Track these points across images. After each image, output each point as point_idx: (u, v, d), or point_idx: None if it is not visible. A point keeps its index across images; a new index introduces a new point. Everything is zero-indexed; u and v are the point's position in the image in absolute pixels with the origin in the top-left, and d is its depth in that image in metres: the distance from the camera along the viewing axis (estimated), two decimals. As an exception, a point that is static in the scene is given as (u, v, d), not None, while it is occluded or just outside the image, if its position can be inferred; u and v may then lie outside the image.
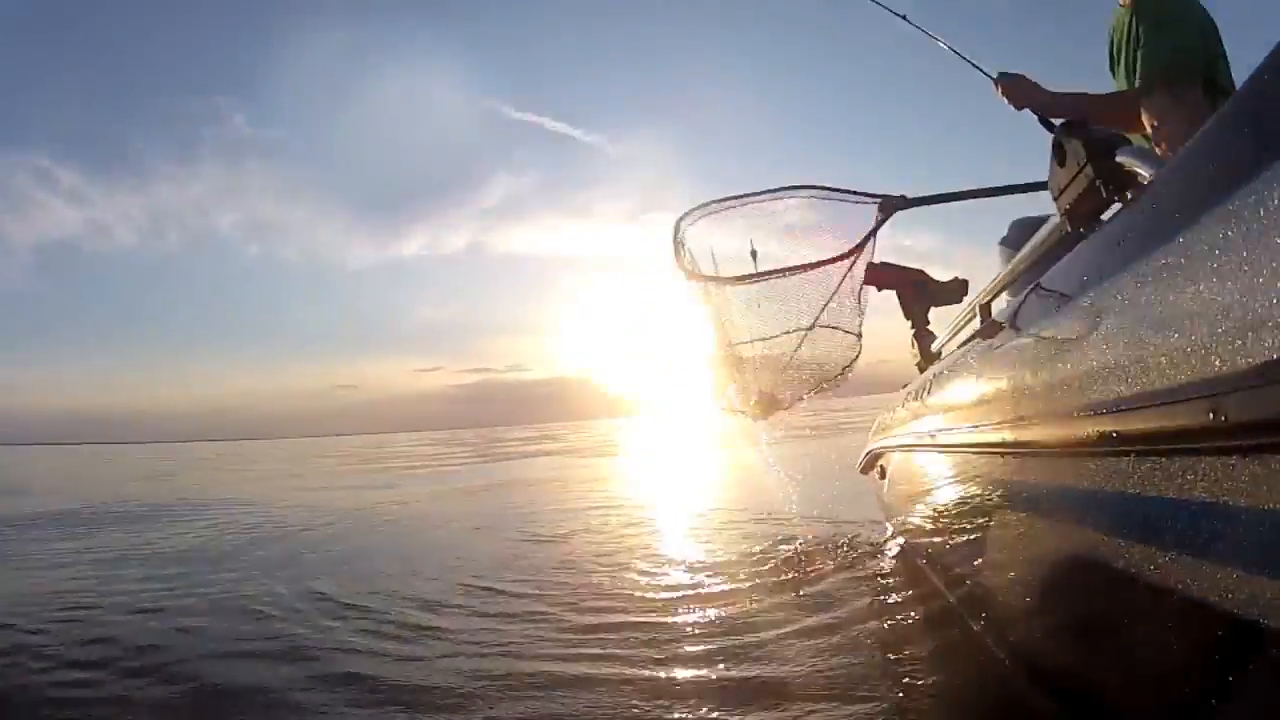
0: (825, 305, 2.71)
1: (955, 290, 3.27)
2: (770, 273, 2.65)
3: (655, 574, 4.28)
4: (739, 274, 2.76)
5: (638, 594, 3.81)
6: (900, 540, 3.92)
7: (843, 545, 4.47)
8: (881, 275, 3.24)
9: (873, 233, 2.64)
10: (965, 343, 2.34)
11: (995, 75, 2.46)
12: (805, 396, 3.21)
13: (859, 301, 2.86)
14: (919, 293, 3.33)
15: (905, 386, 3.19)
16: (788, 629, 2.93)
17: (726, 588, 3.78)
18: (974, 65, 2.60)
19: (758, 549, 4.69)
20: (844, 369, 3.01)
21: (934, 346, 3.27)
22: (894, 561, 3.91)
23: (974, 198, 2.79)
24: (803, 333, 2.82)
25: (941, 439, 2.21)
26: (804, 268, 2.58)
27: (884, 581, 3.61)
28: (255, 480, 17.05)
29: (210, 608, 4.00)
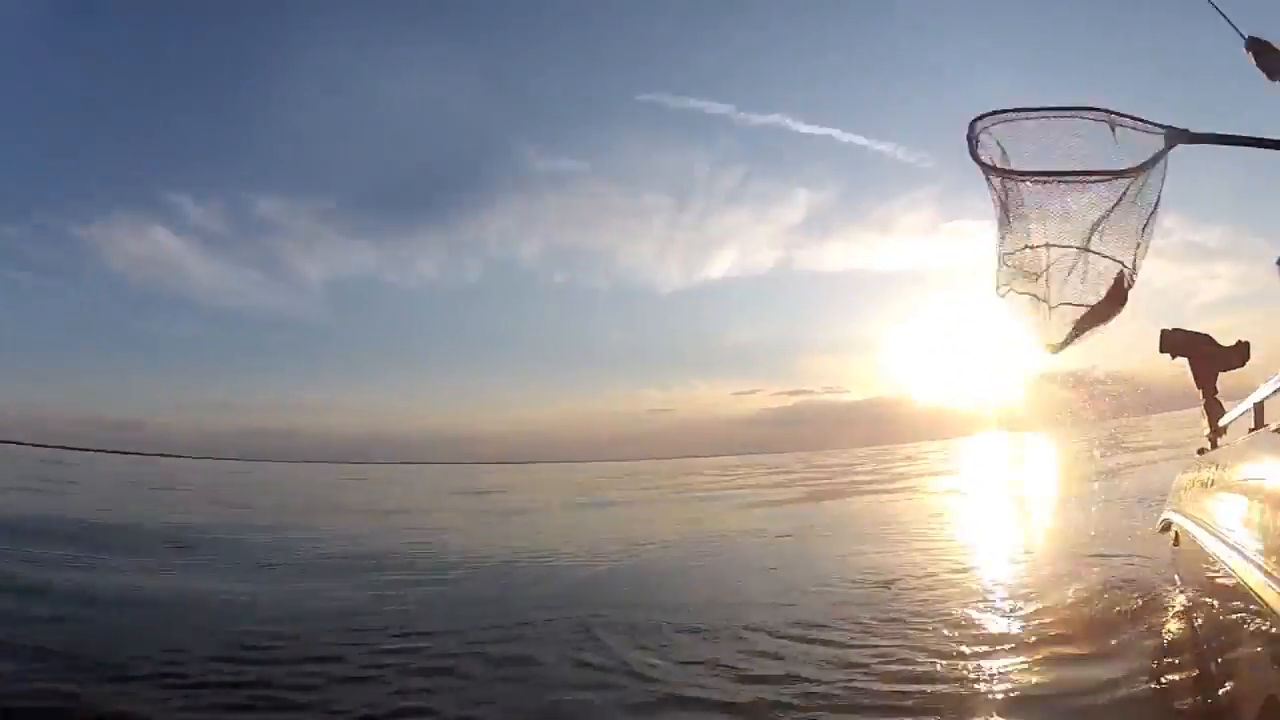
0: (1098, 226, 2.80)
1: (1237, 355, 3.18)
2: (1063, 174, 2.74)
3: (980, 633, 4.78)
4: (1032, 169, 2.83)
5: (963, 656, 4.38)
6: (1189, 611, 4.16)
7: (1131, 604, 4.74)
8: (1175, 340, 3.27)
9: (1158, 156, 2.75)
10: (1255, 429, 2.45)
11: (1246, 37, 2.31)
12: (1083, 333, 3.15)
13: (1140, 234, 2.87)
14: (1206, 359, 3.25)
15: (1201, 453, 3.28)
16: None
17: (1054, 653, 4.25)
18: (1226, 19, 2.39)
19: (1063, 600, 5.37)
20: (1114, 305, 2.99)
21: (1223, 421, 3.21)
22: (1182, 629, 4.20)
23: (1274, 147, 2.51)
24: (1078, 252, 2.88)
25: (1226, 537, 2.26)
26: (1094, 174, 2.70)
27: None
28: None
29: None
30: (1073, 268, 3.00)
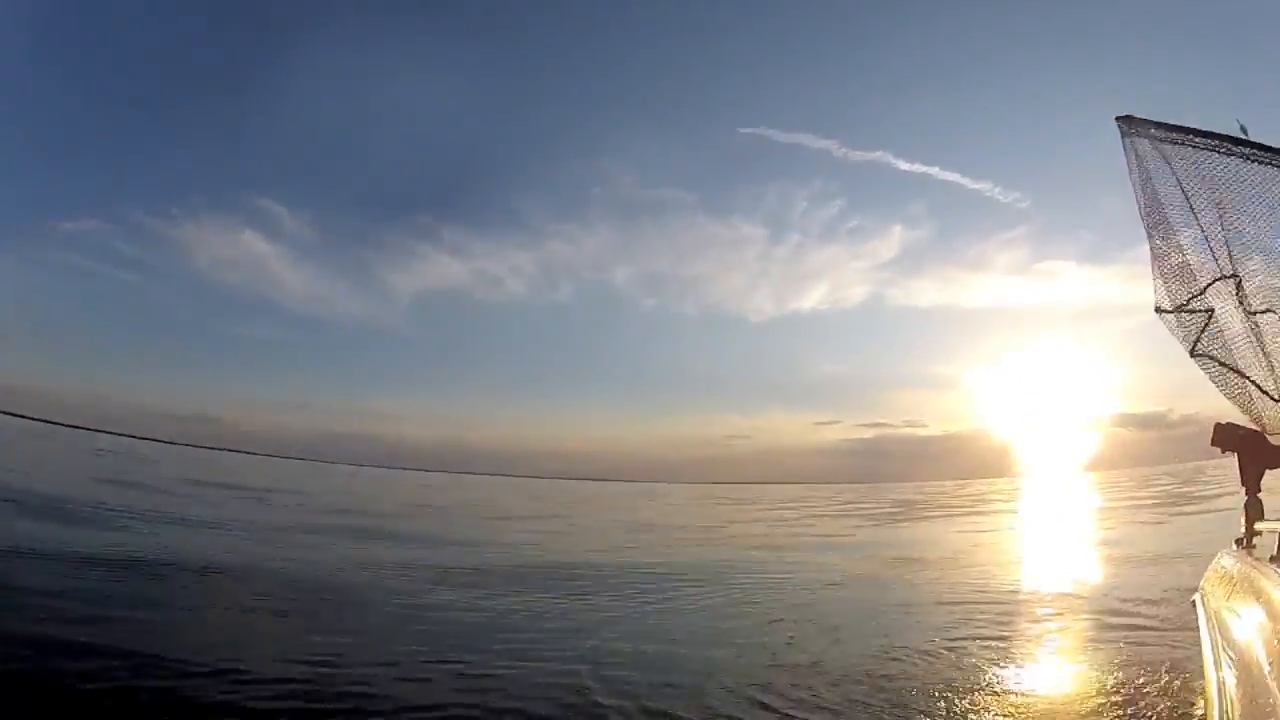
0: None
1: None
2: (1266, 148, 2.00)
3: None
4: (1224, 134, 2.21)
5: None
6: None
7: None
8: (1224, 435, 3.02)
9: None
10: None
11: None
12: None
13: None
14: (1254, 458, 3.00)
15: (1238, 544, 3.02)
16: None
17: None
18: None
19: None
20: None
21: (1259, 525, 2.99)
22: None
23: None
24: None
25: (1219, 646, 2.09)
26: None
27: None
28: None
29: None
30: None
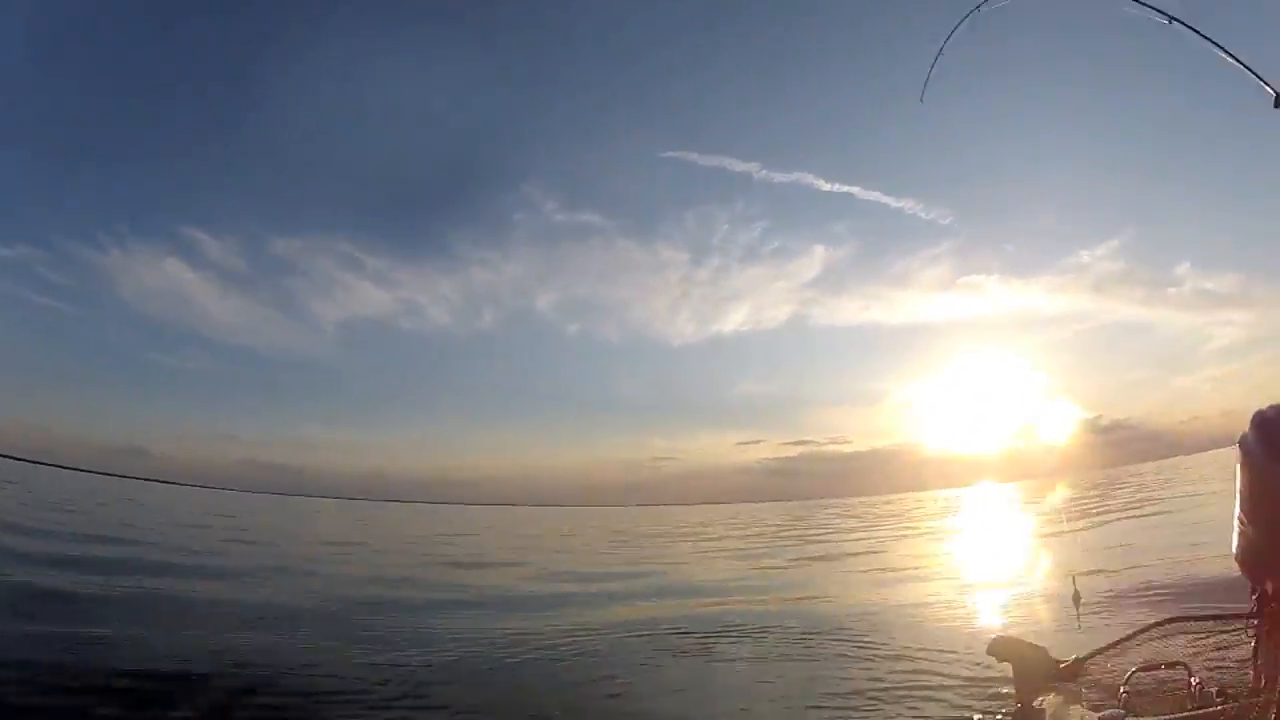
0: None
1: (1067, 673, 2.43)
2: None
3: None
4: None
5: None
6: None
7: None
8: (999, 647, 2.53)
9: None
10: None
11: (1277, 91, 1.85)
12: None
13: None
14: (1030, 671, 2.38)
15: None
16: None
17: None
18: (1254, 75, 1.96)
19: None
20: None
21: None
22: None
23: None
24: None
25: None
26: None
27: None
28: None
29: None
30: None
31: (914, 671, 5.66)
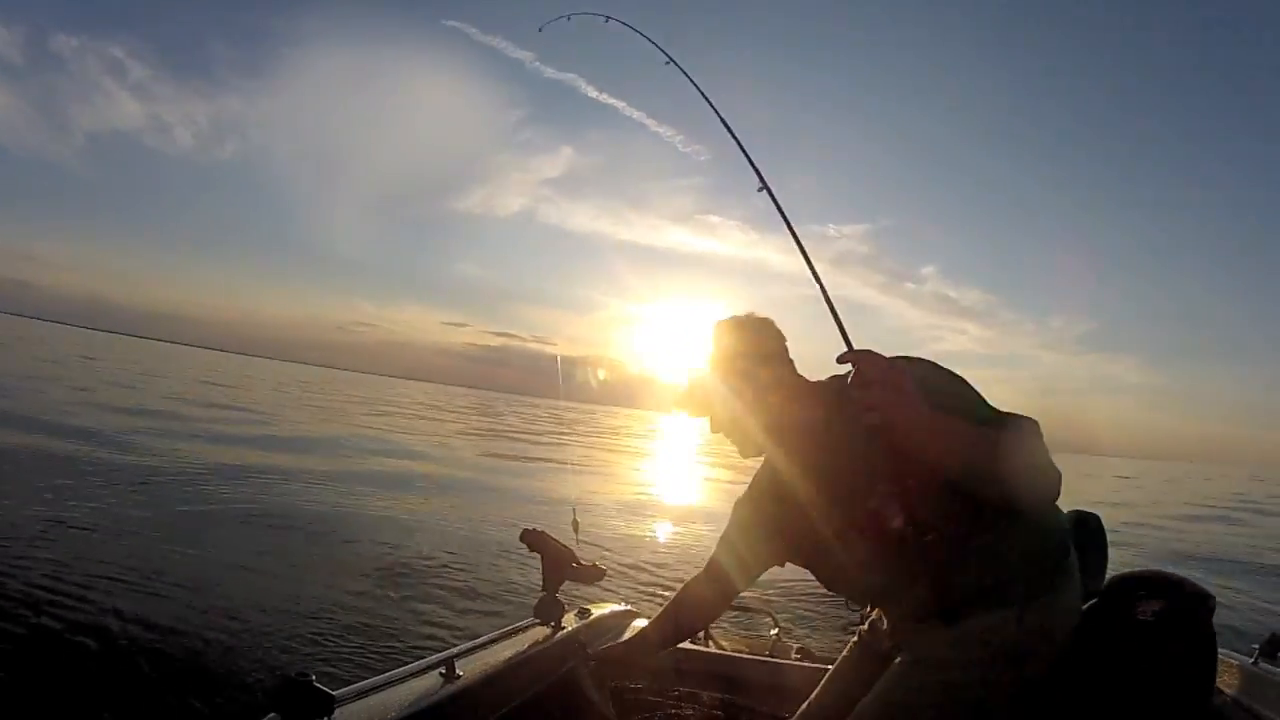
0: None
1: (590, 575, 2.32)
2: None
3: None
4: None
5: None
6: None
7: None
8: (531, 539, 2.38)
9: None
10: None
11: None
12: None
13: None
14: (557, 567, 2.31)
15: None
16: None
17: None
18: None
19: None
20: None
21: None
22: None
23: None
24: None
25: None
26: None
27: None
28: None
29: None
30: None
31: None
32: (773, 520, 1.57)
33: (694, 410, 1.56)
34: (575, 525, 2.42)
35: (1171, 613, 1.13)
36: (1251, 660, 2.10)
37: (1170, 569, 1.49)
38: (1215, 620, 1.31)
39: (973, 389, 1.37)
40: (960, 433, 1.25)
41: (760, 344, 1.50)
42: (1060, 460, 1.26)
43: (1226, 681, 2.10)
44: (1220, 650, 2.25)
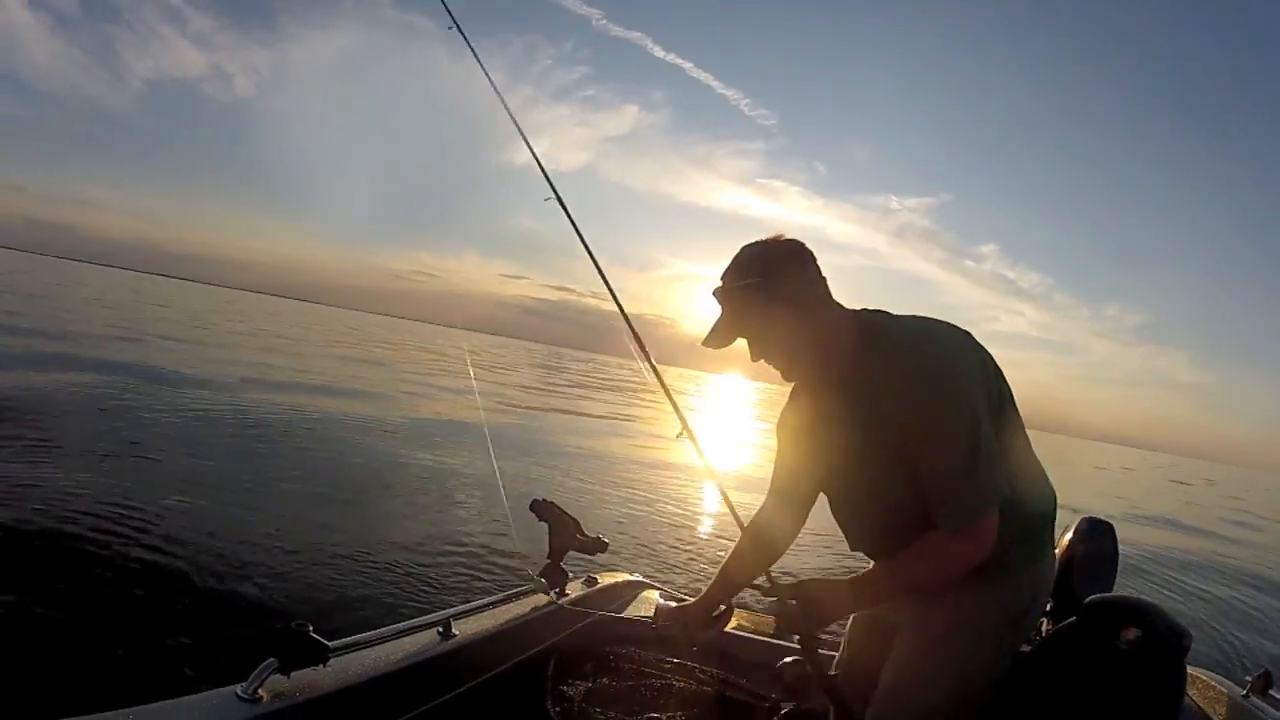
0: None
1: (593, 546, 2.44)
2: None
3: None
4: None
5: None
6: None
7: None
8: (539, 509, 2.53)
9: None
10: None
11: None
12: None
13: None
14: (563, 538, 2.44)
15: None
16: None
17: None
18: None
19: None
20: None
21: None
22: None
23: None
24: None
25: None
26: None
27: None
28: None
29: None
30: None
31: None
32: (807, 435, 1.57)
33: (718, 341, 1.49)
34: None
35: (1148, 643, 1.16)
36: (1244, 693, 2.13)
37: (1149, 598, 1.51)
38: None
39: (972, 414, 1.31)
40: (872, 593, 1.45)
41: (775, 264, 1.45)
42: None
43: (1217, 710, 2.15)
44: (1213, 676, 2.28)
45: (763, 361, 1.49)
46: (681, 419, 1.86)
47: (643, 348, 1.92)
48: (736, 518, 1.75)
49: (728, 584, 1.70)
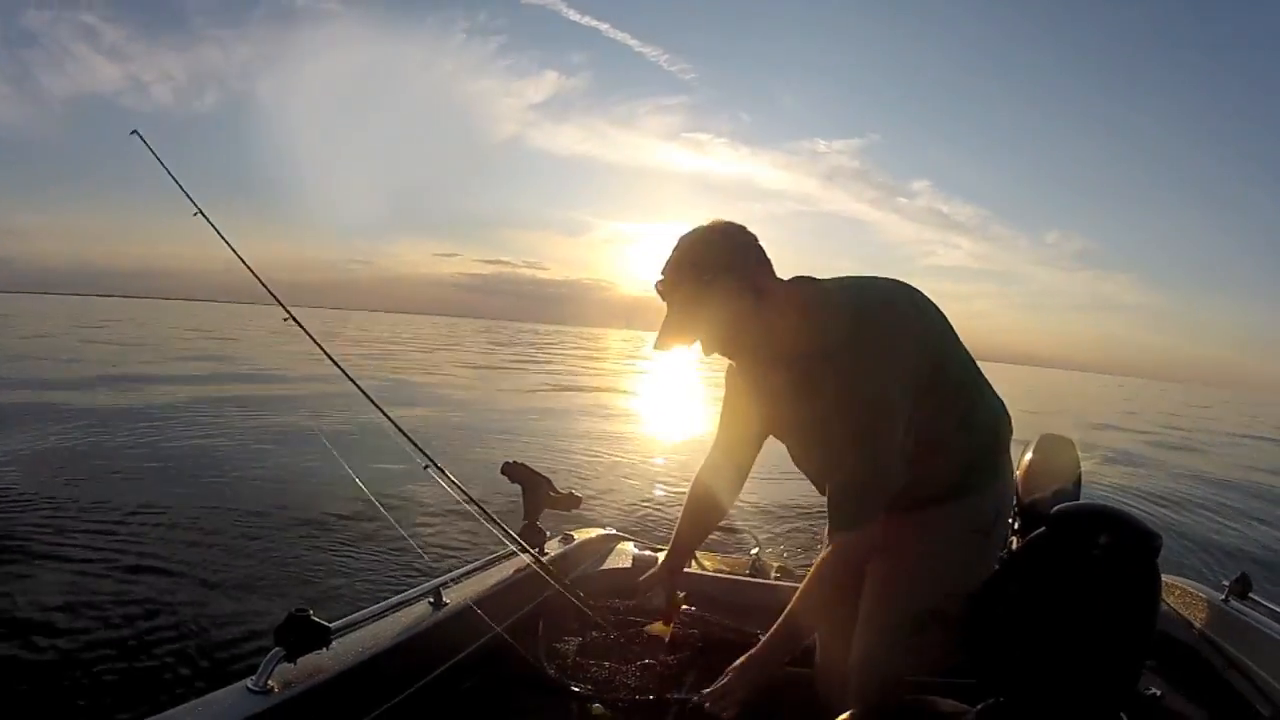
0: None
1: (568, 502, 2.48)
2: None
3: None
4: None
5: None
6: None
7: None
8: (513, 471, 2.56)
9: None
10: None
11: None
12: None
13: None
14: (536, 498, 2.47)
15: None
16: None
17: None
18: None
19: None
20: None
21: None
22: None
23: None
24: None
25: None
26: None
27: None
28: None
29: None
30: None
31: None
32: (755, 400, 1.61)
33: (670, 342, 1.46)
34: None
35: (1120, 549, 1.17)
36: (1222, 597, 2.21)
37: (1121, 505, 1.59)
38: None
39: (896, 400, 1.36)
40: (791, 628, 1.46)
41: (714, 256, 1.42)
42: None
43: (1197, 616, 2.22)
44: (1190, 583, 2.35)
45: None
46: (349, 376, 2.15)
47: (276, 298, 2.17)
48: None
49: (683, 545, 1.82)
